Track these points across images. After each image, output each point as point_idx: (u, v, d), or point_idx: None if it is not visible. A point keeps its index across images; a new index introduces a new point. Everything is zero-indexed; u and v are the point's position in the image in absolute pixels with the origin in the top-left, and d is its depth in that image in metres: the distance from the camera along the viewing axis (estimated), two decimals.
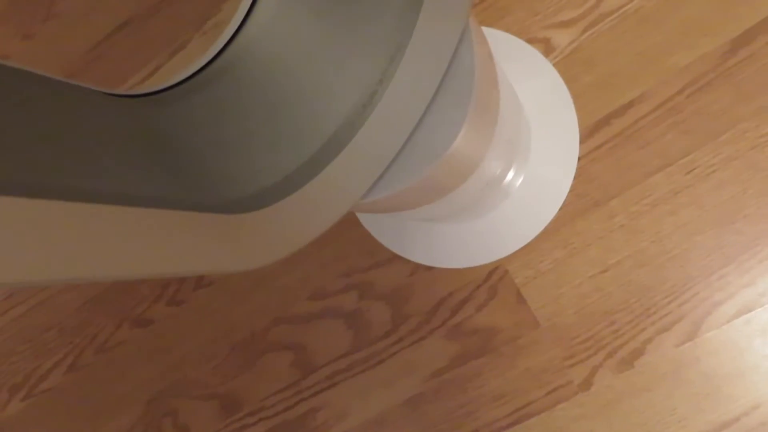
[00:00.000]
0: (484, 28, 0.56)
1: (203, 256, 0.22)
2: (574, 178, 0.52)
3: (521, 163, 0.52)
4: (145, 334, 0.67)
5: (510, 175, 0.51)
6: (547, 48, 0.54)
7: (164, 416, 0.66)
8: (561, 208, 0.53)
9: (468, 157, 0.37)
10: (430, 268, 0.57)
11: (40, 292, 0.72)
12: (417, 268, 0.57)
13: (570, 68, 0.53)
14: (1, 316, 0.73)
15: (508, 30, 0.55)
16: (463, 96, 0.31)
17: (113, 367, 0.68)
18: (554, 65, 0.54)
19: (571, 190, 0.52)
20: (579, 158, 0.52)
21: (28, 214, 0.17)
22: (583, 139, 0.53)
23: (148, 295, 0.67)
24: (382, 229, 0.58)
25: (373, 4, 0.28)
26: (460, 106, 0.31)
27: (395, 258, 0.58)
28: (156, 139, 0.26)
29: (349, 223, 0.59)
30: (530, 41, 0.55)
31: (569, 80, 0.53)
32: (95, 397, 0.69)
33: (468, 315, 0.56)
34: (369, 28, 0.29)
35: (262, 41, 0.30)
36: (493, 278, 0.55)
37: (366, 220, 0.59)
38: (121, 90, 0.27)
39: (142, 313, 0.67)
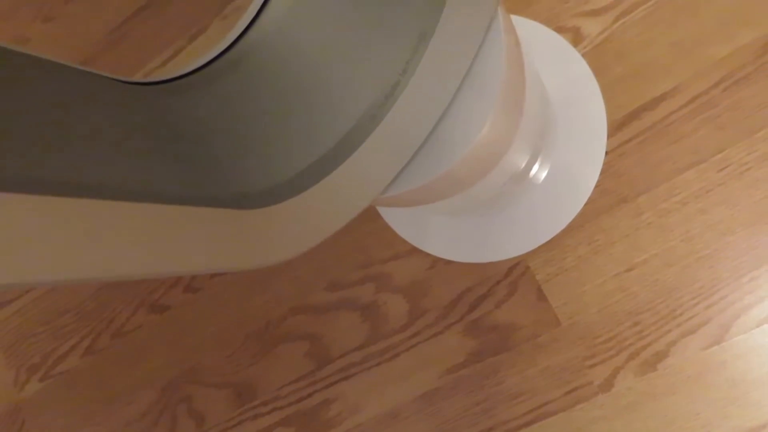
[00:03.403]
0: (511, 16, 0.54)
1: (219, 254, 0.21)
2: (601, 173, 0.51)
3: (546, 157, 0.51)
4: (162, 320, 0.67)
5: (534, 168, 0.50)
6: (576, 37, 0.52)
7: (179, 402, 0.66)
8: (586, 204, 0.51)
9: (492, 151, 0.35)
10: (449, 262, 0.56)
11: None
12: (436, 262, 0.56)
13: (600, 58, 0.51)
14: (20, 298, 0.74)
15: (535, 18, 0.53)
16: (490, 87, 0.29)
17: (129, 352, 0.68)
18: (583, 55, 0.52)
19: (597, 186, 0.51)
20: (606, 153, 0.51)
21: (34, 213, 0.16)
22: (612, 132, 0.51)
23: (165, 281, 0.67)
24: (401, 221, 0.57)
25: None
26: (486, 98, 0.29)
27: (414, 251, 0.57)
28: (169, 130, 0.25)
29: (367, 214, 0.58)
30: (559, 30, 0.53)
31: (599, 71, 0.51)
32: (111, 380, 0.69)
33: (487, 311, 0.55)
34: (392, 16, 0.27)
35: (280, 30, 0.28)
36: (513, 274, 0.54)
37: (385, 211, 0.58)
38: (138, 77, 0.27)
39: (159, 299, 0.67)
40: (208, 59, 0.28)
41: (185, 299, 0.66)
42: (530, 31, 0.53)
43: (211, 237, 0.22)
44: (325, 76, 0.28)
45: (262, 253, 0.23)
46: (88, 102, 0.23)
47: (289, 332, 0.62)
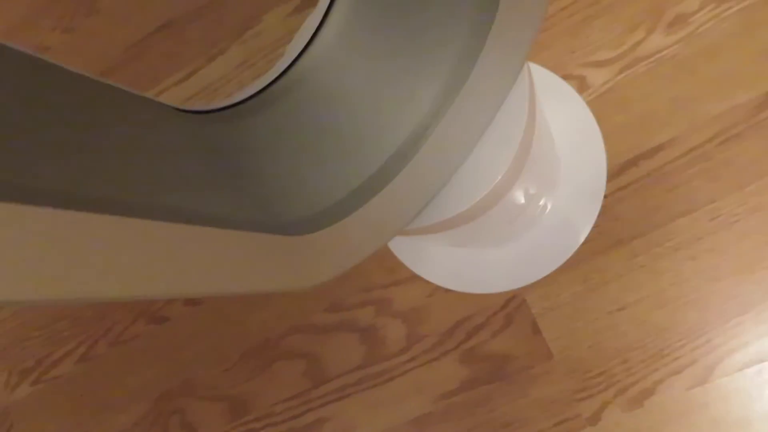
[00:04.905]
0: None
1: (264, 277, 0.23)
2: (599, 215, 0.53)
3: (547, 196, 0.53)
4: (160, 331, 0.68)
5: (536, 207, 0.52)
6: (581, 85, 0.55)
7: (171, 414, 0.67)
8: (583, 244, 0.54)
9: (500, 190, 0.38)
10: (448, 291, 0.58)
11: None
12: (436, 290, 0.58)
13: (603, 107, 0.54)
14: None
15: (544, 65, 0.56)
16: (512, 135, 0.32)
17: (125, 361, 0.69)
18: (587, 103, 0.55)
19: (594, 227, 0.53)
20: (605, 196, 0.53)
21: (85, 229, 0.16)
22: (611, 177, 0.53)
23: None
24: (403, 248, 0.59)
25: (435, 39, 0.29)
26: (509, 145, 0.32)
27: (415, 278, 0.59)
28: (219, 158, 0.27)
29: None
30: (565, 77, 0.56)
31: (601, 119, 0.54)
32: (104, 388, 0.70)
33: (483, 340, 0.57)
34: (428, 64, 0.30)
35: (323, 67, 0.31)
36: (510, 306, 0.56)
37: None
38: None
39: (159, 310, 0.68)
40: (255, 90, 0.30)
41: (185, 312, 0.67)
42: (539, 77, 0.56)
43: (256, 260, 0.24)
44: (364, 114, 0.30)
45: (300, 277, 0.25)
46: (139, 126, 0.25)
47: (287, 350, 0.63)
